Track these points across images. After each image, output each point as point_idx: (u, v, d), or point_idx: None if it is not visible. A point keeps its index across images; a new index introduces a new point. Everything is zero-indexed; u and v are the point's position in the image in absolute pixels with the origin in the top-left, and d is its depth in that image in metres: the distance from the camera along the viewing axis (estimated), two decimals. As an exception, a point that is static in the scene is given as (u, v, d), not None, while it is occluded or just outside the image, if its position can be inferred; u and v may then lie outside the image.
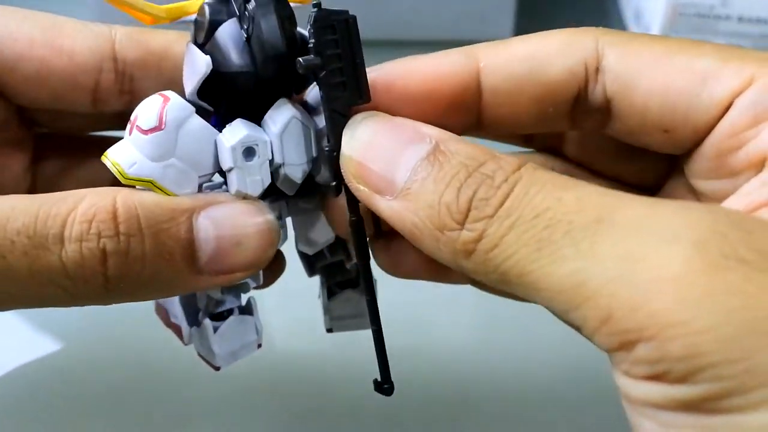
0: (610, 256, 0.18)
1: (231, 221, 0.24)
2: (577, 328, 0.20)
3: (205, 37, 0.24)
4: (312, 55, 0.22)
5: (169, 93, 0.24)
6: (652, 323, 0.17)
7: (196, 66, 0.24)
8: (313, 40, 0.22)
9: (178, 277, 0.23)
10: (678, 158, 0.25)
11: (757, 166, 0.22)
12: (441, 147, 0.22)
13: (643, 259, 0.18)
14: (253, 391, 0.37)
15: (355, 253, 0.25)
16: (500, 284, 0.21)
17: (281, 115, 0.24)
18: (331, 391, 0.37)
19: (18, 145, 0.30)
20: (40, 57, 0.27)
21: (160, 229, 0.23)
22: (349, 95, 0.23)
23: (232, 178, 0.24)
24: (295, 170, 0.25)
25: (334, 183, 0.24)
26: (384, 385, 0.25)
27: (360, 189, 0.23)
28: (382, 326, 0.25)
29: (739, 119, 0.22)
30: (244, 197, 0.24)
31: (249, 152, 0.24)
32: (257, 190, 0.24)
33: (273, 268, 0.30)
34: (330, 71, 0.23)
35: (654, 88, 0.23)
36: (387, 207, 0.22)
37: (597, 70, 0.24)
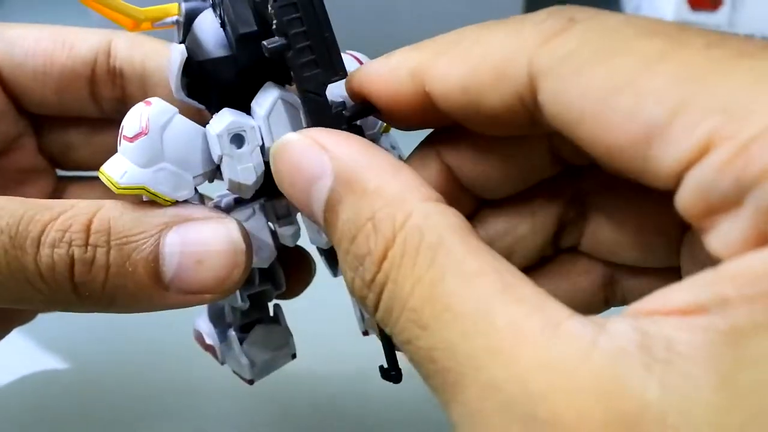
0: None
1: (196, 238, 0.23)
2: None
3: (184, 33, 0.24)
4: (276, 37, 0.22)
5: (152, 99, 0.24)
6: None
7: (172, 57, 0.23)
8: (275, 21, 0.21)
9: (143, 291, 0.23)
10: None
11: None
12: (336, 188, 0.20)
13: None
14: (268, 408, 0.36)
15: None
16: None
17: (267, 98, 0.23)
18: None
19: (21, 138, 0.32)
20: (45, 50, 0.30)
21: (127, 242, 0.23)
22: (323, 73, 0.22)
23: (223, 167, 0.23)
24: None
25: None
26: (391, 372, 0.24)
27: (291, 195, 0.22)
28: None
29: (690, 207, 0.16)
30: (238, 188, 0.24)
31: (238, 140, 0.23)
32: (250, 179, 0.23)
33: (299, 275, 0.29)
34: (298, 51, 0.22)
35: (597, 145, 0.18)
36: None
37: (535, 103, 0.19)
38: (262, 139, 0.23)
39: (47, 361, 0.38)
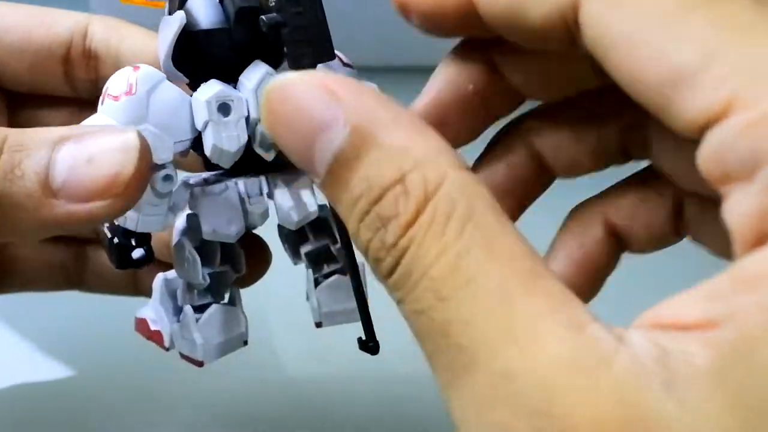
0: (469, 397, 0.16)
1: (89, 140, 0.23)
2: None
3: (180, 3, 0.24)
4: (274, 14, 0.23)
5: (140, 64, 0.24)
6: None
7: (170, 23, 0.24)
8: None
9: (30, 199, 0.22)
10: None
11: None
12: (354, 141, 0.18)
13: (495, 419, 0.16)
14: (258, 417, 0.35)
15: (340, 241, 0.25)
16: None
17: (256, 72, 0.24)
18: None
19: None
20: (23, 27, 0.31)
21: (21, 149, 0.22)
22: (315, 52, 0.23)
23: (207, 134, 0.24)
24: None
25: None
26: (369, 344, 0.24)
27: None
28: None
29: (710, 167, 0.16)
30: (219, 155, 0.24)
31: (224, 109, 0.24)
32: (234, 146, 0.24)
33: (256, 263, 0.29)
34: (293, 29, 0.23)
35: (625, 78, 0.18)
36: (321, 188, 0.20)
37: (576, 22, 0.19)
38: (249, 112, 0.24)
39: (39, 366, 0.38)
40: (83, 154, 0.22)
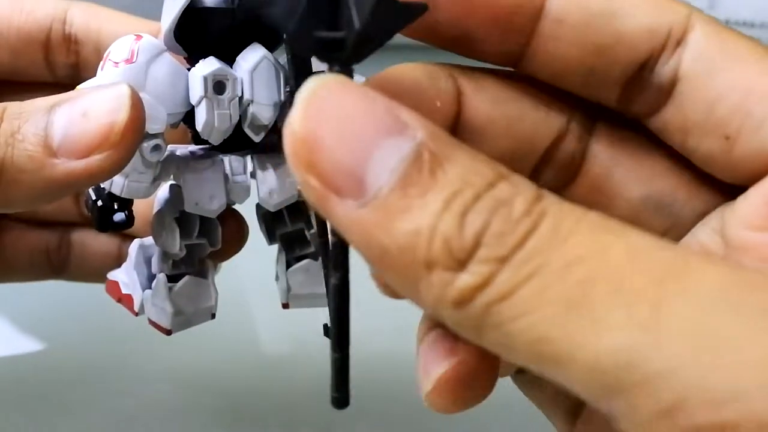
0: (682, 331, 0.14)
1: (83, 98, 0.23)
2: (611, 416, 0.15)
3: None
4: None
5: (143, 34, 0.25)
6: (747, 422, 0.13)
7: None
8: None
9: (31, 161, 0.22)
10: (714, 200, 0.22)
11: None
12: (432, 148, 0.16)
13: (731, 339, 0.14)
14: (239, 395, 0.36)
15: (316, 228, 0.25)
16: (498, 347, 0.16)
17: (253, 54, 0.25)
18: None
19: None
20: (2, 14, 0.31)
21: (19, 116, 0.23)
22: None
23: (200, 110, 0.24)
24: (263, 110, 0.25)
25: None
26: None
27: (309, 183, 0.16)
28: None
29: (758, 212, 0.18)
30: (210, 131, 0.25)
31: (219, 87, 0.24)
32: (225, 124, 0.25)
33: (232, 238, 0.30)
34: None
35: (735, 84, 0.20)
36: (347, 215, 0.16)
37: (678, 42, 0.20)
38: (242, 92, 0.25)
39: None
40: (78, 110, 0.23)
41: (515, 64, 0.22)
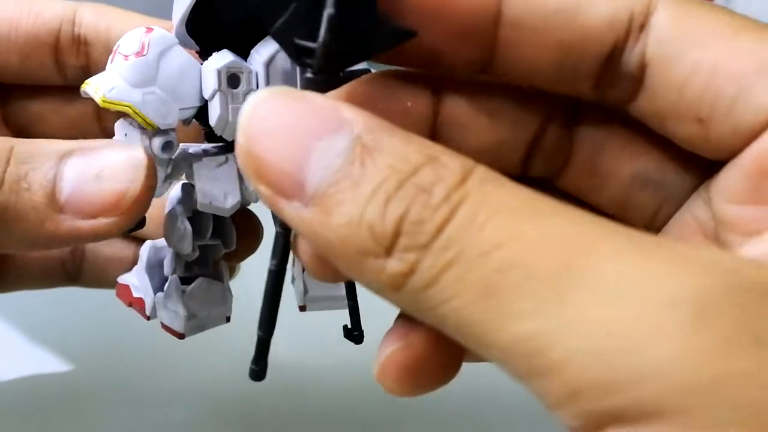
0: (583, 319, 0.14)
1: (97, 158, 0.23)
2: (535, 395, 0.16)
3: None
4: None
5: (154, 26, 0.24)
6: (637, 410, 0.14)
7: None
8: None
9: (35, 211, 0.22)
10: (703, 172, 0.21)
11: None
12: (365, 139, 0.17)
13: (629, 327, 0.14)
14: (252, 401, 0.35)
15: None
16: (441, 328, 0.16)
17: (268, 47, 0.24)
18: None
19: None
20: (10, 17, 0.30)
21: (27, 161, 0.22)
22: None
23: (214, 104, 0.24)
24: None
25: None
26: (354, 333, 0.25)
27: (260, 190, 0.18)
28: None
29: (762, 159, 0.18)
30: (224, 126, 0.24)
31: (234, 80, 0.23)
32: None
33: (247, 240, 0.29)
34: None
35: (702, 65, 0.19)
36: (295, 215, 0.17)
37: (642, 26, 0.20)
38: (257, 85, 0.24)
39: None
40: (91, 169, 0.22)
41: (485, 71, 0.22)
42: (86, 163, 0.22)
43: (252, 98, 0.18)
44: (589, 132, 0.23)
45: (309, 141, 0.17)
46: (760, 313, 0.14)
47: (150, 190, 0.23)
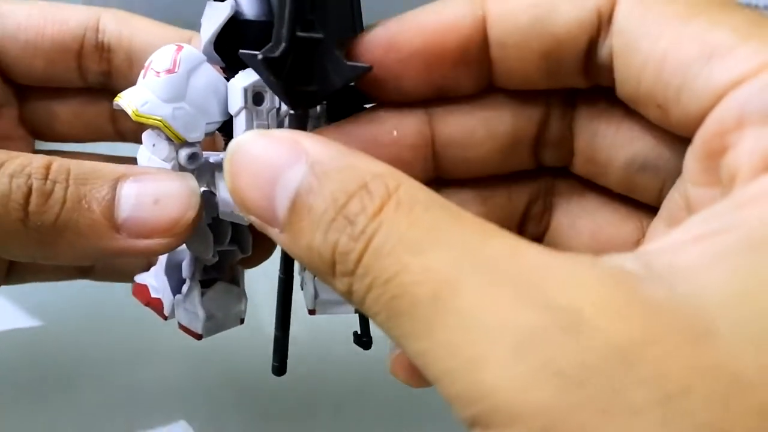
0: (447, 343, 0.17)
1: (153, 182, 0.25)
2: None
3: None
4: None
5: (183, 44, 0.25)
6: (485, 420, 0.16)
7: (219, 11, 0.25)
8: None
9: (94, 229, 0.24)
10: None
11: (727, 185, 0.18)
12: (316, 169, 0.19)
13: (472, 352, 0.16)
14: (260, 404, 0.36)
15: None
16: None
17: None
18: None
19: (3, 107, 0.33)
20: (36, 24, 0.32)
21: (86, 180, 0.24)
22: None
23: (239, 120, 0.25)
24: None
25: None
26: (363, 339, 0.26)
27: (251, 219, 0.21)
28: None
29: (726, 117, 0.18)
30: None
31: (258, 98, 0.25)
32: None
33: (261, 245, 0.30)
34: None
35: (653, 54, 0.20)
36: (277, 239, 0.20)
37: (609, 20, 0.21)
38: (279, 104, 0.25)
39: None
40: (149, 194, 0.24)
41: (487, 89, 0.24)
42: (143, 187, 0.24)
43: (233, 142, 0.20)
44: (586, 122, 0.25)
45: (275, 174, 0.19)
46: (564, 347, 0.15)
47: (200, 216, 0.25)
